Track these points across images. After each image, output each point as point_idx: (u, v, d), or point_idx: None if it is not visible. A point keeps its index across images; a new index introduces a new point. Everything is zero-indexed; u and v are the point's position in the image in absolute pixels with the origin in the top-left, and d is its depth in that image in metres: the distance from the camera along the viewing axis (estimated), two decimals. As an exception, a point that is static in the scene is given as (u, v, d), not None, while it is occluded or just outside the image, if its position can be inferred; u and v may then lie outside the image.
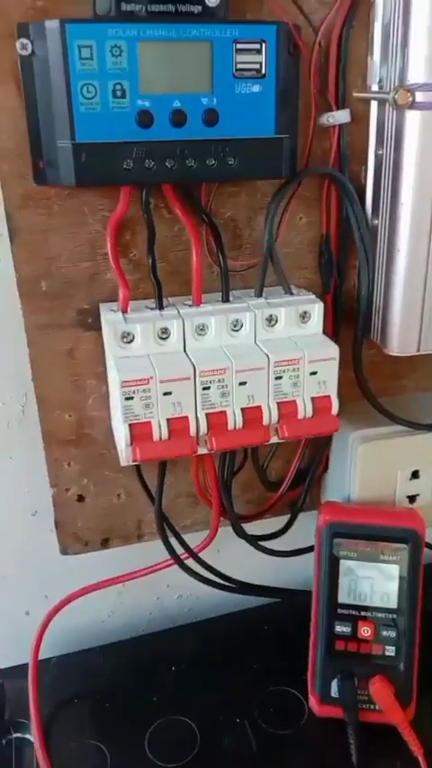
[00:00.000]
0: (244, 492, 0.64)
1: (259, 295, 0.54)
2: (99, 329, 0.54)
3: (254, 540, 0.62)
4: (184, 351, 0.51)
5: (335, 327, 0.59)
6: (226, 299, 0.53)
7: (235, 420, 0.50)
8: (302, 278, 0.58)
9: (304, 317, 0.53)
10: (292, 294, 0.54)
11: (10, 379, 0.60)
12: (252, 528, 0.63)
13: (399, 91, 0.46)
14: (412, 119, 0.47)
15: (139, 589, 0.71)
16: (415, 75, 0.46)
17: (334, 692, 0.58)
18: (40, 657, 0.64)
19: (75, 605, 0.66)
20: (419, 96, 0.46)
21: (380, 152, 0.52)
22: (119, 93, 0.45)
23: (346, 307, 0.59)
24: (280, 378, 0.50)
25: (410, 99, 0.46)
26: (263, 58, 0.46)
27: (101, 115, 0.45)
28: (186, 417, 0.49)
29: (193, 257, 0.52)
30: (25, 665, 0.64)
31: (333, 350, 0.51)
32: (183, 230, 0.53)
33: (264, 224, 0.53)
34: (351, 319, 0.58)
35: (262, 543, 0.62)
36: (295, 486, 0.64)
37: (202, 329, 0.51)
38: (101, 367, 0.56)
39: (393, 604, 0.58)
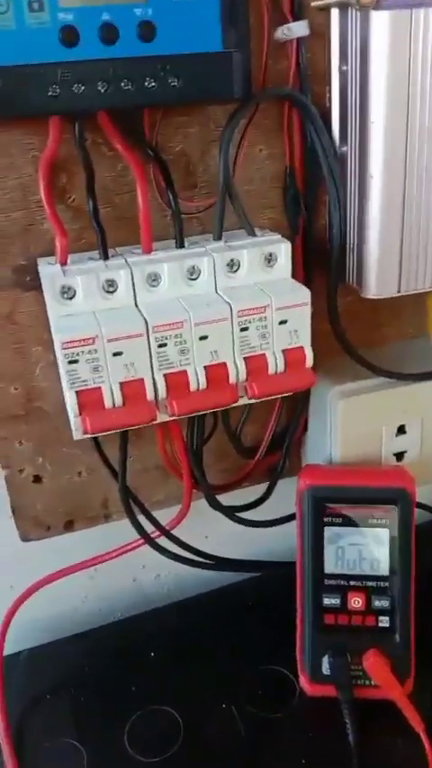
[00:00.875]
0: (217, 461, 0.59)
1: (218, 238, 0.48)
2: (40, 288, 0.48)
3: (231, 512, 0.57)
4: (135, 305, 0.45)
5: (306, 273, 0.53)
6: (180, 245, 0.47)
7: (198, 380, 0.44)
8: (267, 218, 0.52)
9: (270, 259, 0.47)
10: (255, 236, 0.48)
11: None
12: (228, 498, 0.58)
13: (362, -12, 0.40)
14: (379, 21, 0.41)
15: (114, 571, 0.66)
16: (380, -31, 0.40)
17: (325, 669, 0.54)
18: (8, 652, 0.60)
19: (45, 592, 0.61)
20: (387, -7, 0.40)
21: (344, 68, 0.46)
22: (36, 6, 0.38)
23: (318, 249, 0.53)
24: (246, 329, 0.44)
25: (375, -3, 0.40)
26: None
27: (16, 33, 0.38)
28: (142, 380, 0.43)
29: (139, 198, 0.45)
30: (-10, 662, 0.59)
31: (304, 294, 0.45)
32: (127, 169, 0.47)
33: (218, 157, 0.47)
34: (324, 263, 0.52)
35: (240, 515, 0.57)
36: (273, 452, 0.59)
37: (154, 279, 0.45)
38: (46, 333, 0.49)
39: (385, 571, 0.53)
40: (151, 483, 0.58)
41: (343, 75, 0.46)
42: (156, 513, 0.57)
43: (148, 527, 0.56)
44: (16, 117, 0.42)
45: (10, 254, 0.47)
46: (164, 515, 0.57)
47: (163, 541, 0.57)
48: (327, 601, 0.54)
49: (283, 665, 0.58)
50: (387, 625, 0.53)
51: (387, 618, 0.53)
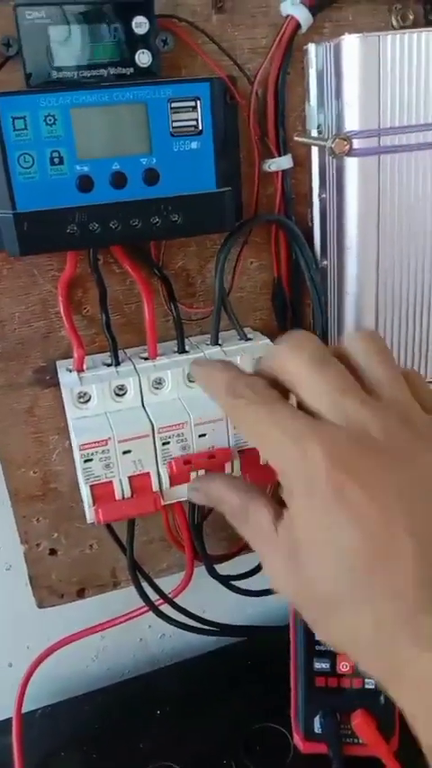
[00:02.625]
0: (216, 531, 0.64)
1: (215, 343, 0.54)
2: (57, 385, 0.54)
3: (228, 582, 0.62)
4: (142, 406, 0.51)
5: (294, 365, 0.59)
6: (182, 350, 0.53)
7: (197, 473, 0.50)
8: (258, 320, 0.58)
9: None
10: (247, 339, 0.55)
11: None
12: (225, 567, 0.63)
13: (336, 140, 0.46)
14: (351, 165, 0.48)
15: (122, 632, 0.71)
16: (351, 123, 0.47)
17: (317, 728, 0.58)
18: (24, 710, 0.64)
19: (57, 653, 0.66)
20: (356, 143, 0.47)
21: (323, 195, 0.53)
22: (56, 161, 0.45)
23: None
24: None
25: (347, 147, 0.46)
26: (198, 114, 0.46)
27: (40, 183, 0.45)
28: (148, 474, 0.49)
29: (146, 311, 0.52)
30: (8, 721, 0.64)
31: (290, 395, 0.51)
32: (134, 283, 0.53)
33: (214, 275, 0.54)
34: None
35: (236, 583, 0.62)
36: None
37: (159, 383, 0.51)
38: (62, 422, 0.56)
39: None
40: (155, 553, 0.63)
41: (322, 201, 0.53)
42: (160, 580, 0.62)
43: (153, 593, 0.61)
44: (40, 253, 0.49)
45: (31, 358, 0.54)
46: (167, 582, 0.62)
47: (166, 608, 0.62)
48: (317, 665, 0.59)
49: (278, 721, 0.63)
50: (373, 687, 0.58)
51: (372, 681, 0.58)
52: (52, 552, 0.61)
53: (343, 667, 0.58)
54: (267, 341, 0.54)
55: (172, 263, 0.54)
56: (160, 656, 0.75)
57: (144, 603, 0.61)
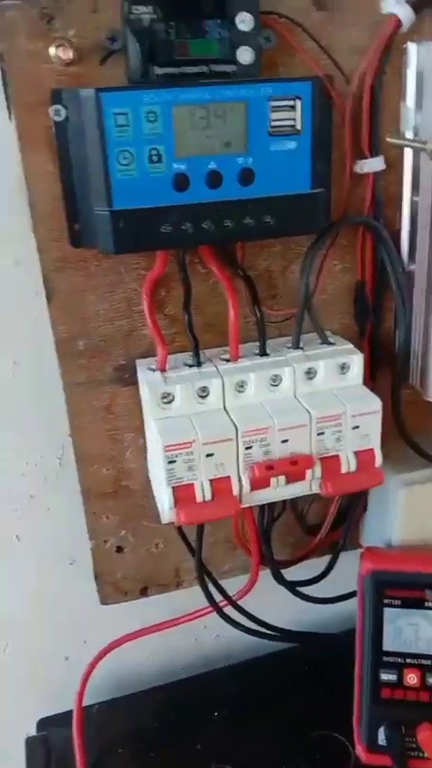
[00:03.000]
0: (282, 535, 0.63)
1: (296, 346, 0.53)
2: (136, 383, 0.54)
3: (294, 587, 0.61)
4: (224, 408, 0.50)
5: (372, 370, 0.58)
6: (263, 353, 0.53)
7: (278, 479, 0.49)
8: (338, 323, 0.57)
9: (343, 368, 0.52)
10: (329, 343, 0.54)
11: (47, 432, 0.60)
12: (291, 572, 0.63)
13: (437, 143, 0.45)
14: (451, 169, 0.47)
15: (178, 631, 0.70)
16: (453, 127, 0.46)
17: (381, 740, 0.58)
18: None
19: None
20: (458, 148, 0.46)
21: (415, 199, 0.52)
22: (155, 158, 0.44)
23: (384, 348, 0.58)
24: (322, 433, 0.50)
25: (449, 151, 0.45)
26: (298, 114, 0.45)
27: (137, 181, 0.44)
28: (229, 477, 0.49)
29: (230, 313, 0.51)
30: (67, 714, 0.64)
31: (375, 403, 0.50)
32: (217, 284, 0.52)
33: (300, 274, 0.53)
34: (388, 361, 0.57)
35: (302, 589, 0.62)
36: (334, 529, 0.63)
37: (241, 386, 0.51)
38: (138, 420, 0.56)
39: (439, 650, 0.57)
40: (220, 555, 0.63)
41: (414, 204, 0.52)
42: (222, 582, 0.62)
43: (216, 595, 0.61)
44: (134, 251, 0.48)
45: (113, 356, 0.53)
46: (228, 584, 0.62)
47: (228, 609, 0.62)
48: (384, 676, 0.58)
49: (338, 730, 0.62)
50: (440, 701, 0.57)
51: (440, 695, 0.57)
52: (119, 550, 0.61)
53: (410, 680, 0.57)
54: (350, 346, 0.53)
55: (255, 263, 0.54)
56: (215, 657, 0.74)
57: (209, 604, 0.60)
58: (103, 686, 0.70)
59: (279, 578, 0.61)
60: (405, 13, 0.48)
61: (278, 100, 0.45)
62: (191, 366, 0.51)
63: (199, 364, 0.51)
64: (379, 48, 0.49)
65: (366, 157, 0.51)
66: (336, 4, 0.48)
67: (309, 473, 0.50)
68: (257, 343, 0.53)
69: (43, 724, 0.66)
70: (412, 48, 0.49)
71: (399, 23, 0.48)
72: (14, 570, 0.65)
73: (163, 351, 0.51)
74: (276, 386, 0.51)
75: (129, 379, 0.54)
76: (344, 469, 0.50)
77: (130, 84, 0.44)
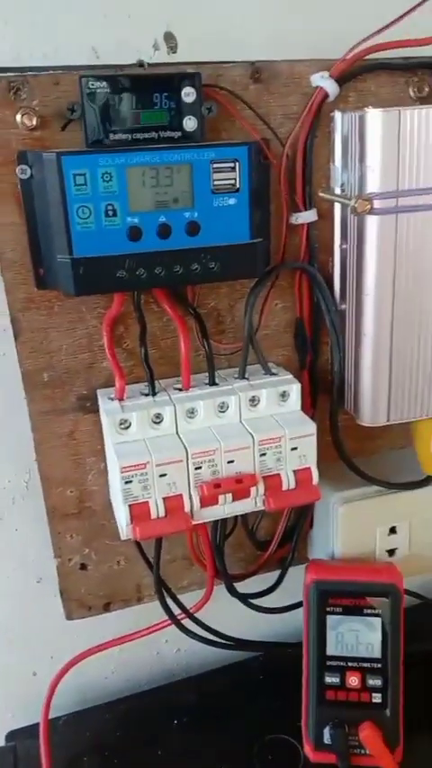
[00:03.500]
0: (235, 551, 0.69)
1: (242, 376, 0.59)
2: (97, 411, 0.59)
3: (246, 599, 0.66)
4: (177, 433, 0.56)
5: (312, 398, 0.64)
6: (213, 383, 0.58)
7: (225, 497, 0.54)
8: (280, 355, 0.63)
9: (284, 395, 0.58)
10: (271, 374, 0.60)
11: (14, 458, 0.64)
12: (244, 585, 0.67)
13: (358, 200, 0.52)
14: (371, 223, 0.53)
15: (140, 645, 0.75)
16: (372, 185, 0.52)
17: (327, 739, 0.62)
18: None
19: (78, 664, 0.69)
20: (377, 203, 0.52)
21: (344, 246, 0.58)
22: (111, 213, 0.50)
23: (321, 378, 0.64)
24: (264, 454, 0.55)
25: (369, 207, 0.52)
26: (237, 174, 0.52)
27: (95, 232, 0.50)
28: (181, 495, 0.54)
29: (182, 348, 0.57)
30: (34, 726, 0.67)
31: (311, 427, 0.56)
32: (171, 321, 0.58)
33: (243, 312, 0.59)
34: (327, 389, 0.64)
35: (254, 601, 0.67)
36: (283, 544, 0.68)
37: (192, 412, 0.56)
38: (99, 445, 0.60)
39: (378, 654, 0.62)
40: (177, 570, 0.68)
41: (343, 251, 0.58)
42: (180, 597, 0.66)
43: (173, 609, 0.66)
44: (92, 294, 0.54)
45: (75, 386, 0.58)
46: (186, 598, 0.67)
47: (186, 622, 0.66)
48: (328, 679, 0.63)
49: (289, 733, 0.67)
50: (380, 701, 0.62)
51: (380, 695, 0.62)
52: (83, 567, 0.65)
53: (352, 682, 0.62)
54: (290, 376, 0.59)
55: (205, 302, 0.60)
56: (176, 670, 0.78)
57: (167, 617, 0.65)
58: (70, 699, 0.73)
59: (232, 591, 0.66)
60: (331, 87, 0.55)
61: (219, 162, 0.51)
62: (146, 395, 0.57)
63: (154, 393, 0.57)
64: (309, 115, 0.56)
65: (301, 210, 0.58)
66: (270, 77, 0.55)
67: (253, 490, 0.55)
68: (207, 374, 0.59)
69: (12, 736, 0.69)
70: (338, 116, 0.56)
71: (326, 95, 0.55)
72: (-16, 590, 0.69)
73: (121, 381, 0.56)
74: (224, 412, 0.57)
75: (90, 407, 0.59)
76: (284, 486, 0.56)
77: (88, 147, 0.50)
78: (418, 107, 0.51)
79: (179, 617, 0.66)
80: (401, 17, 0.51)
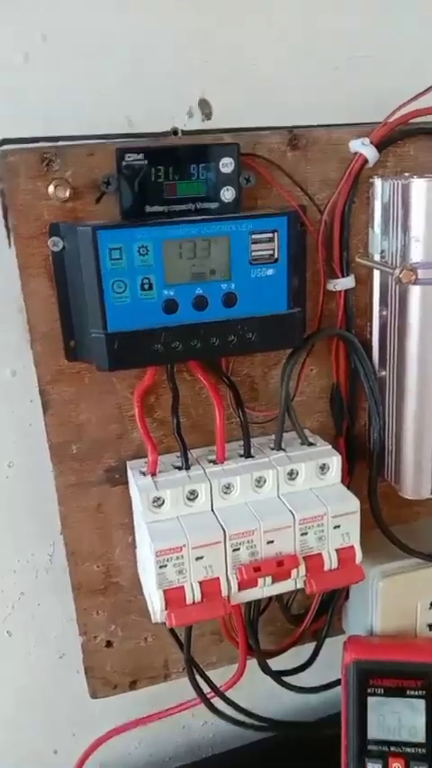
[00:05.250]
0: (267, 625, 0.65)
1: (278, 447, 0.57)
2: (125, 483, 0.57)
3: (280, 678, 0.63)
4: (212, 510, 0.53)
5: (350, 465, 0.62)
6: (248, 454, 0.56)
7: (265, 579, 0.52)
8: (316, 421, 0.61)
9: (323, 468, 0.56)
10: (309, 443, 0.57)
11: (37, 530, 0.62)
12: (275, 661, 0.64)
13: (403, 270, 0.50)
14: (415, 292, 0.51)
15: (166, 719, 0.71)
16: (416, 255, 0.51)
17: None
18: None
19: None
20: (421, 274, 0.50)
21: (384, 312, 0.56)
22: (146, 286, 0.48)
23: (359, 445, 0.62)
24: (305, 534, 0.53)
25: (414, 277, 0.50)
26: (275, 245, 0.50)
27: (130, 306, 0.48)
28: (218, 579, 0.51)
29: (216, 419, 0.55)
30: None
31: (354, 503, 0.54)
32: (203, 389, 0.56)
33: (280, 381, 0.57)
34: (364, 456, 0.61)
35: (287, 679, 0.64)
36: (317, 617, 0.65)
37: (228, 488, 0.54)
38: (127, 518, 0.58)
39: (422, 738, 0.59)
40: (207, 646, 0.65)
41: (383, 317, 0.57)
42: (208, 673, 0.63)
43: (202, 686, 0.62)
44: (127, 368, 0.52)
45: (104, 458, 0.56)
46: (214, 675, 0.63)
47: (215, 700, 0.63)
48: (370, 765, 0.59)
49: None
50: (425, 789, 0.58)
51: (424, 784, 0.59)
52: (108, 644, 0.62)
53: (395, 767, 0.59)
54: (329, 447, 0.57)
55: (238, 370, 0.58)
56: (203, 744, 0.75)
57: (196, 696, 0.62)
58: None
59: (266, 669, 0.62)
60: (371, 153, 0.53)
61: (258, 233, 0.49)
62: (179, 468, 0.55)
63: (187, 467, 0.54)
64: (348, 182, 0.54)
65: (338, 277, 0.56)
66: (308, 144, 0.54)
67: (294, 572, 0.53)
68: (241, 442, 0.57)
69: None
70: (378, 182, 0.54)
71: (365, 161, 0.54)
72: (5, 666, 0.66)
73: (153, 455, 0.54)
74: (260, 487, 0.54)
75: (119, 479, 0.57)
76: (327, 567, 0.53)
77: (123, 220, 0.49)
78: (463, 175, 0.50)
79: (208, 695, 0.63)
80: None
